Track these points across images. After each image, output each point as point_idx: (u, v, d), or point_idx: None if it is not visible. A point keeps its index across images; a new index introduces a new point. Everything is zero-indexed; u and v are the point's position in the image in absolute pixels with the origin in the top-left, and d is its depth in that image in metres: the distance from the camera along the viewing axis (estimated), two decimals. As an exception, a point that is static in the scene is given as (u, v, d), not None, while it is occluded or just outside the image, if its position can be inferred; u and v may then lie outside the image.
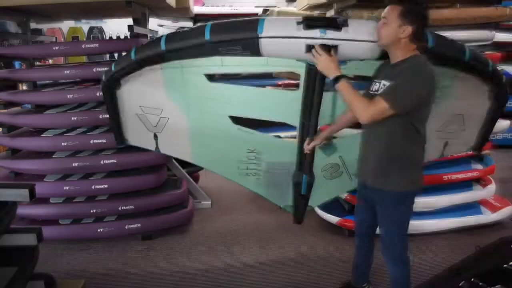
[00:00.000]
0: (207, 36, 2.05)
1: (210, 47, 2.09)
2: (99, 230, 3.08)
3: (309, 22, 2.00)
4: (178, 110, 2.51)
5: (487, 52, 3.22)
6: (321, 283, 2.68)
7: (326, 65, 1.96)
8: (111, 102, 2.49)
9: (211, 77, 2.46)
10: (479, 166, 3.26)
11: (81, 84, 3.26)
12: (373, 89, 1.97)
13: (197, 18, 5.58)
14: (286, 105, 2.51)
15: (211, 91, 2.48)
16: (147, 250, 3.12)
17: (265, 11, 3.95)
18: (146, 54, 2.23)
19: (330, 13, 3.14)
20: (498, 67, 2.37)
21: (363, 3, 2.83)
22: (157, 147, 2.65)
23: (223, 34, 2.08)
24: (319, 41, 1.98)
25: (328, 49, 1.98)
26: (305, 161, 2.51)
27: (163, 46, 2.14)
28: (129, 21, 3.41)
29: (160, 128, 2.58)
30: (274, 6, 4.64)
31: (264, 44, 2.02)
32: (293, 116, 2.47)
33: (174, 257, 3.02)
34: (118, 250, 3.12)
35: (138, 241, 3.24)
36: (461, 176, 3.15)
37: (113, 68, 2.35)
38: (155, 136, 2.62)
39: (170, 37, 2.18)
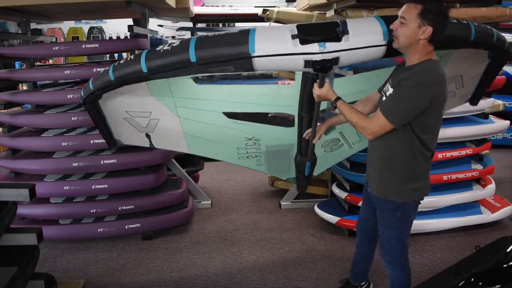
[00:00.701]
0: (192, 58, 1.86)
1: (197, 69, 1.93)
2: (99, 230, 3.08)
3: (305, 36, 1.81)
4: (168, 112, 2.44)
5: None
6: (321, 283, 2.68)
7: (323, 96, 1.97)
8: (94, 113, 2.39)
9: (196, 79, 2.38)
10: (479, 166, 3.26)
11: (81, 84, 3.26)
12: (384, 90, 1.93)
13: (197, 18, 5.58)
14: (282, 99, 2.46)
15: (201, 92, 2.43)
16: (147, 250, 3.13)
17: (265, 11, 3.94)
18: (126, 75, 2.03)
19: (330, 13, 3.13)
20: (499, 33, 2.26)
21: (363, 3, 2.84)
22: (151, 144, 2.61)
23: (210, 57, 1.87)
24: (319, 56, 1.83)
25: (326, 69, 1.88)
26: (307, 148, 2.42)
27: (143, 67, 1.94)
28: (129, 21, 3.42)
29: (151, 129, 2.53)
30: (274, 6, 4.63)
31: (257, 62, 1.86)
32: (291, 109, 2.43)
33: (174, 257, 3.02)
34: (118, 250, 3.12)
35: (138, 241, 3.24)
36: (461, 176, 3.15)
37: (91, 87, 2.18)
38: (147, 135, 2.57)
39: (150, 56, 1.95)
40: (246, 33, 1.87)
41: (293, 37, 1.81)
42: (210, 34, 1.95)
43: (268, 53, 1.84)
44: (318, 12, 3.76)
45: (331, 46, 1.82)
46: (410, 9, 1.74)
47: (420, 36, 1.74)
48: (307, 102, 2.25)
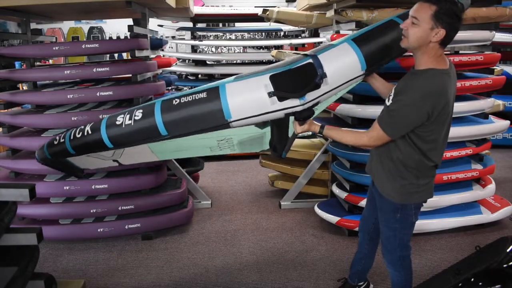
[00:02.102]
0: (163, 132, 1.78)
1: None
2: (99, 230, 3.08)
3: (283, 94, 1.71)
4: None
5: (487, 53, 3.22)
6: (321, 283, 2.68)
7: (305, 131, 1.93)
8: (56, 165, 2.28)
9: None
10: (479, 166, 3.25)
11: (81, 84, 3.26)
12: (390, 93, 1.86)
13: (197, 18, 5.58)
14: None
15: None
16: (147, 250, 3.13)
17: (265, 11, 3.94)
18: (86, 147, 1.94)
19: (330, 13, 3.14)
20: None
21: (363, 3, 2.84)
22: (120, 164, 2.43)
23: (183, 132, 1.79)
24: (300, 107, 1.78)
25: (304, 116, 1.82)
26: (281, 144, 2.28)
27: (107, 143, 1.86)
28: (129, 21, 3.42)
29: (118, 155, 2.36)
30: (274, 6, 4.63)
31: (235, 124, 1.79)
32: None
33: (174, 257, 3.02)
34: (118, 250, 3.12)
35: (138, 241, 3.24)
36: (461, 176, 3.15)
37: (45, 151, 2.11)
38: (115, 161, 2.39)
39: (112, 131, 1.84)
40: (216, 96, 1.74)
41: (270, 95, 1.73)
42: (175, 101, 1.79)
43: (246, 116, 1.77)
44: (318, 12, 3.76)
45: (311, 95, 1.79)
46: (424, 9, 1.66)
47: (432, 39, 1.67)
48: (277, 129, 2.14)
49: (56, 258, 3.02)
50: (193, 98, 1.76)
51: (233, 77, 1.84)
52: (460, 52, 3.52)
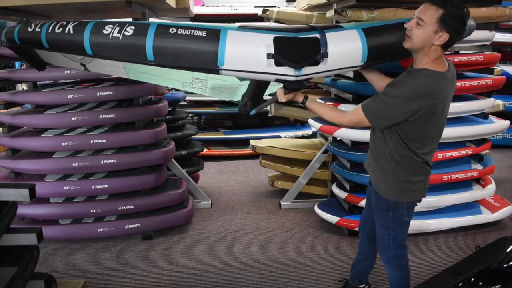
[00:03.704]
0: (150, 57, 1.70)
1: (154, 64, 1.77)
2: (99, 230, 3.08)
3: (282, 59, 1.68)
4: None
5: (487, 52, 3.22)
6: (321, 283, 2.68)
7: (290, 99, 1.92)
8: (20, 51, 2.14)
9: None
10: (479, 166, 3.25)
11: (81, 84, 3.26)
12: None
13: (197, 18, 5.58)
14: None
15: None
16: (147, 250, 3.13)
17: (265, 11, 3.94)
18: (63, 44, 1.80)
19: (330, 13, 3.13)
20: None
21: (363, 3, 2.84)
22: (85, 69, 2.27)
23: (171, 64, 1.74)
24: (293, 78, 1.75)
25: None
26: (258, 98, 2.24)
27: (88, 50, 1.74)
28: (129, 21, 3.41)
29: (87, 61, 2.19)
30: (274, 6, 4.63)
31: (225, 73, 1.75)
32: None
33: (174, 257, 3.02)
34: (118, 250, 3.12)
35: (138, 241, 3.24)
36: (461, 176, 3.15)
37: (15, 34, 1.92)
38: (83, 65, 2.24)
39: (94, 40, 1.72)
40: (215, 39, 1.67)
41: (268, 56, 1.69)
42: (172, 30, 1.70)
43: (238, 69, 1.72)
44: (318, 12, 3.76)
45: (307, 70, 1.76)
46: (431, 11, 1.65)
47: (435, 42, 1.68)
48: (256, 86, 2.12)
49: (56, 258, 3.02)
50: (191, 33, 1.68)
51: (237, 25, 1.78)
52: (460, 52, 3.52)
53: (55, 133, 3.07)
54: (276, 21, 4.04)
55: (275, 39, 1.69)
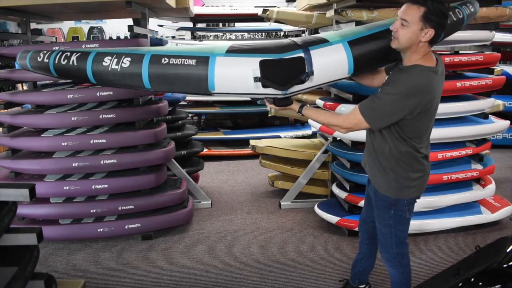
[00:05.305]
0: (147, 85, 1.85)
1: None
2: (99, 230, 3.08)
3: (268, 83, 1.75)
4: None
5: (487, 52, 3.22)
6: (321, 283, 2.68)
7: (282, 111, 1.98)
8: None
9: None
10: (479, 166, 3.26)
11: (81, 84, 3.26)
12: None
13: (197, 18, 5.58)
14: None
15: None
16: (147, 250, 3.13)
17: (265, 11, 3.94)
18: (69, 74, 1.97)
19: (330, 13, 3.14)
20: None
21: (363, 3, 2.84)
22: None
23: (166, 89, 1.94)
24: (281, 96, 1.85)
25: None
26: None
27: (92, 79, 1.90)
28: (129, 21, 3.41)
29: None
30: (274, 6, 4.63)
31: (218, 95, 1.91)
32: None
33: (174, 257, 3.02)
34: (118, 250, 3.12)
35: (138, 241, 3.24)
36: (461, 176, 3.15)
37: (28, 62, 2.05)
38: None
39: (97, 73, 1.87)
40: (204, 66, 1.77)
41: (255, 79, 1.76)
42: (164, 60, 1.81)
43: (229, 92, 1.84)
44: (318, 12, 3.76)
45: (294, 88, 1.83)
46: (412, 11, 1.69)
47: (422, 39, 1.72)
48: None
49: (56, 258, 3.02)
50: (182, 63, 1.80)
51: (226, 47, 1.85)
52: (460, 52, 3.52)
53: (55, 133, 3.07)
54: (276, 21, 4.04)
55: (260, 62, 1.76)
